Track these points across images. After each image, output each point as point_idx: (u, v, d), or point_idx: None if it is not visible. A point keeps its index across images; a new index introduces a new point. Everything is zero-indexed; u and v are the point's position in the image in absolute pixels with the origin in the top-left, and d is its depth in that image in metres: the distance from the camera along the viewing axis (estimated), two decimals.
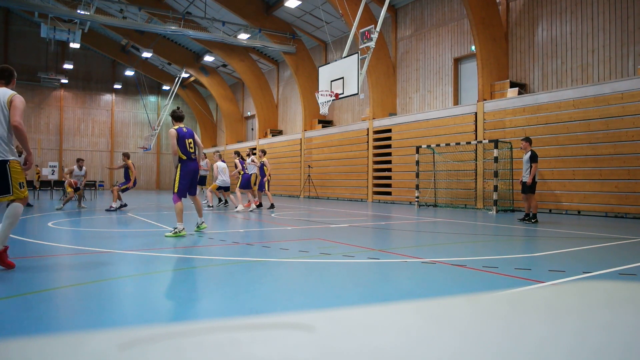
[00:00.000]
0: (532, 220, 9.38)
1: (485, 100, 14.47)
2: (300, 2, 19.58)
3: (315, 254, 5.19)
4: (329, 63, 14.18)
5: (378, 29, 12.97)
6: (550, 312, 0.58)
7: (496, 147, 12.66)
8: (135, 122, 37.66)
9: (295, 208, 14.52)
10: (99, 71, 35.97)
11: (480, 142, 13.94)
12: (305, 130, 23.92)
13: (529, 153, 9.61)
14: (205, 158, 17.59)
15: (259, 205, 13.58)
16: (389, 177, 18.31)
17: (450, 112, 15.74)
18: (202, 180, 15.61)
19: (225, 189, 13.31)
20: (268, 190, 13.51)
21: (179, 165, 6.93)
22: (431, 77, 17.89)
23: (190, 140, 6.98)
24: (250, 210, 12.51)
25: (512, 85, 14.24)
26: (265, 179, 13.37)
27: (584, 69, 13.04)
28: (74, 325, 2.69)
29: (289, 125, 27.77)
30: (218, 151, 13.66)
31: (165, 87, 36.43)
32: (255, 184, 13.60)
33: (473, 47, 15.51)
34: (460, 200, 15.02)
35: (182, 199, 6.98)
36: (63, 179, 13.04)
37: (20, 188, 4.26)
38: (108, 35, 32.29)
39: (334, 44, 22.16)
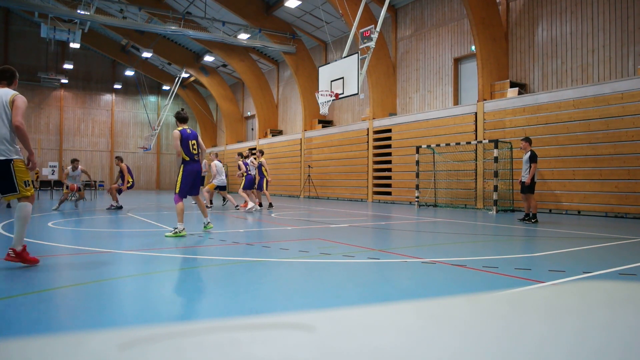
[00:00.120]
0: (532, 220, 9.38)
1: (485, 100, 14.47)
2: (300, 2, 19.58)
3: (315, 254, 5.19)
4: (329, 63, 14.18)
5: (378, 29, 12.97)
6: (550, 312, 0.58)
7: (496, 147, 12.66)
8: (135, 122, 37.66)
9: (295, 208, 14.52)
10: (99, 71, 35.97)
11: (480, 142, 13.94)
12: (305, 130, 23.92)
13: (529, 153, 9.61)
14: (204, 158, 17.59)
15: (259, 205, 13.58)
16: (389, 177, 18.31)
17: (450, 112, 15.74)
18: (202, 181, 15.62)
19: (222, 188, 13.35)
20: (266, 189, 13.52)
21: (182, 166, 6.99)
22: (431, 77, 17.89)
23: (194, 141, 7.04)
24: (249, 211, 12.51)
25: (512, 85, 14.24)
26: (265, 179, 13.38)
27: (584, 69, 13.04)
28: (74, 325, 2.69)
29: (289, 125, 27.77)
30: (213, 151, 13.72)
31: (165, 87, 36.43)
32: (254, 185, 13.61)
33: (473, 47, 15.51)
34: (460, 200, 15.02)
35: (183, 199, 7.02)
36: (63, 180, 12.88)
37: (26, 186, 4.31)
38: (108, 35, 32.29)
39: (334, 44, 22.16)
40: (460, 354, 0.43)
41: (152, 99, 38.56)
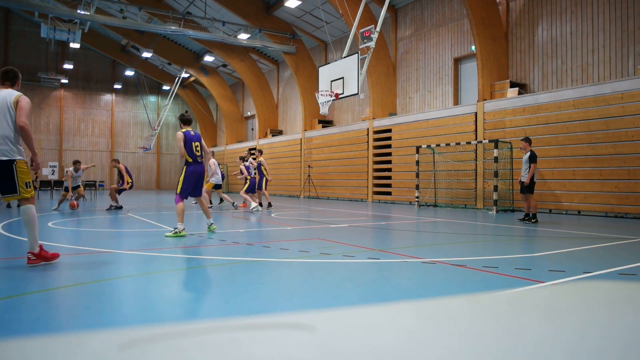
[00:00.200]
0: (532, 220, 9.38)
1: (485, 100, 14.47)
2: (300, 2, 19.58)
3: (315, 254, 5.19)
4: (329, 63, 14.18)
5: (378, 29, 12.97)
6: (550, 312, 0.58)
7: (496, 147, 12.66)
8: (135, 122, 37.66)
9: (295, 208, 14.52)
10: (99, 71, 35.97)
11: (480, 142, 13.94)
12: (305, 130, 23.92)
13: (528, 153, 9.62)
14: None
15: (260, 205, 13.57)
16: (389, 177, 18.31)
17: (450, 112, 15.74)
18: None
19: (218, 186, 13.39)
20: (265, 189, 13.52)
21: (184, 167, 7.02)
22: (431, 77, 17.89)
23: (197, 143, 7.09)
24: (250, 210, 12.51)
25: (512, 85, 14.24)
26: (265, 178, 13.37)
27: (584, 69, 13.04)
28: (74, 325, 2.70)
29: (289, 125, 27.77)
30: (211, 150, 13.75)
31: (165, 87, 36.43)
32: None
33: (473, 47, 15.51)
34: (460, 200, 15.03)
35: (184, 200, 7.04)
36: (63, 179, 12.77)
37: (27, 188, 4.33)
38: (108, 35, 32.29)
39: (334, 44, 22.16)
40: (460, 354, 0.43)
41: (152, 99, 38.56)
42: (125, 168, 13.35)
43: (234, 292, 3.48)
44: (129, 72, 33.03)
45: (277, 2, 21.88)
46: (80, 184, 13.18)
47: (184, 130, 7.08)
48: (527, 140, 9.87)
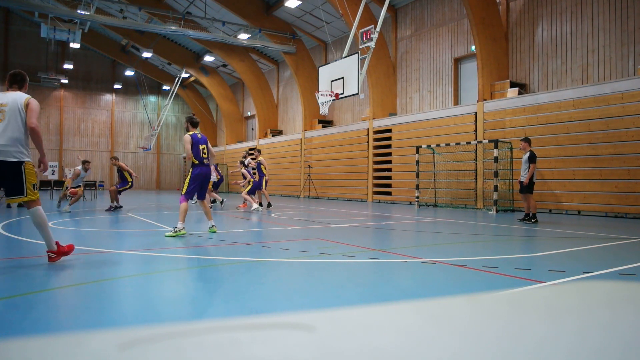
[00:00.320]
0: (532, 220, 9.38)
1: (485, 100, 14.47)
2: (300, 2, 19.58)
3: (315, 254, 5.19)
4: (329, 63, 14.18)
5: (378, 29, 12.97)
6: (550, 312, 0.58)
7: (496, 147, 12.66)
8: (135, 122, 37.66)
9: (295, 208, 14.52)
10: (99, 71, 35.97)
11: (480, 142, 13.94)
12: (305, 130, 23.92)
13: (528, 153, 9.63)
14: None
15: (260, 205, 13.57)
16: (389, 177, 18.31)
17: (450, 112, 15.74)
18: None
19: (215, 186, 13.41)
20: (265, 189, 13.51)
21: (191, 169, 7.13)
22: (431, 77, 17.89)
23: (204, 146, 7.21)
24: (251, 210, 12.51)
25: (512, 85, 14.24)
26: (264, 178, 13.36)
27: (584, 69, 13.04)
28: (74, 325, 2.70)
29: (289, 125, 27.77)
30: None
31: (166, 87, 36.43)
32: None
33: (473, 47, 15.51)
34: (460, 200, 15.03)
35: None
36: (69, 182, 12.50)
37: (34, 189, 4.40)
38: (108, 35, 32.29)
39: (334, 44, 22.16)
40: (460, 354, 0.43)
41: (152, 99, 38.56)
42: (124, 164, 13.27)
43: (234, 292, 3.48)
44: (129, 72, 33.03)
45: (277, 2, 21.88)
46: (81, 184, 13.11)
47: (191, 132, 7.18)
48: (527, 140, 9.87)
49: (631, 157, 10.88)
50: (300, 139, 24.11)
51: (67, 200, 12.77)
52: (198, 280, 4.11)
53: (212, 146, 35.89)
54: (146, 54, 27.43)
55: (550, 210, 12.64)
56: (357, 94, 12.55)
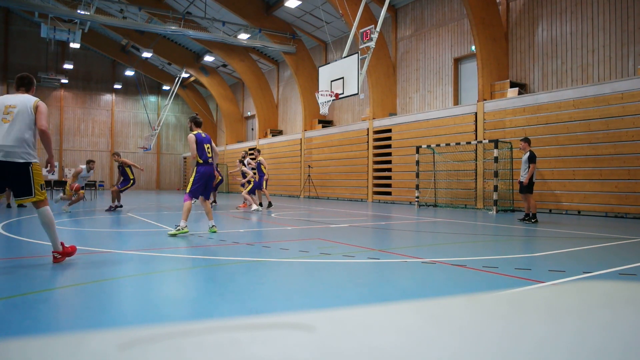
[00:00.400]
0: (532, 220, 9.38)
1: (485, 100, 14.47)
2: (300, 2, 19.58)
3: (315, 254, 5.19)
4: (329, 63, 14.18)
5: (378, 29, 12.97)
6: (550, 312, 0.58)
7: (496, 147, 12.66)
8: (135, 122, 37.67)
9: (295, 208, 14.52)
10: (99, 71, 35.97)
11: (480, 142, 13.94)
12: (305, 130, 23.92)
13: (528, 153, 9.63)
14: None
15: (260, 205, 13.57)
16: (389, 177, 18.31)
17: (450, 112, 15.74)
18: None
19: (214, 187, 13.42)
20: (266, 189, 13.51)
21: (195, 168, 7.22)
22: (431, 77, 17.90)
23: (208, 145, 7.31)
24: (251, 210, 12.51)
25: (512, 85, 14.24)
26: (265, 177, 13.35)
27: (584, 69, 13.04)
28: (74, 325, 2.70)
29: (289, 125, 27.77)
30: None
31: (166, 87, 36.43)
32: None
33: (473, 47, 15.51)
34: (460, 200, 15.02)
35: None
36: (71, 181, 12.23)
37: (41, 190, 4.48)
38: (108, 35, 32.29)
39: (334, 44, 22.17)
40: (460, 354, 0.43)
41: (152, 99, 38.57)
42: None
43: (234, 292, 3.48)
44: (129, 72, 33.03)
45: (277, 2, 21.88)
46: (82, 184, 13.02)
47: (195, 132, 7.27)
48: (527, 140, 9.88)
49: (631, 157, 10.88)
50: (300, 139, 24.12)
51: (65, 201, 12.54)
52: (198, 280, 4.11)
53: None
54: (146, 54, 27.43)
55: (550, 210, 12.64)
56: (357, 94, 12.55)
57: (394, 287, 3.77)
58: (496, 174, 12.67)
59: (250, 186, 13.08)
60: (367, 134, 19.24)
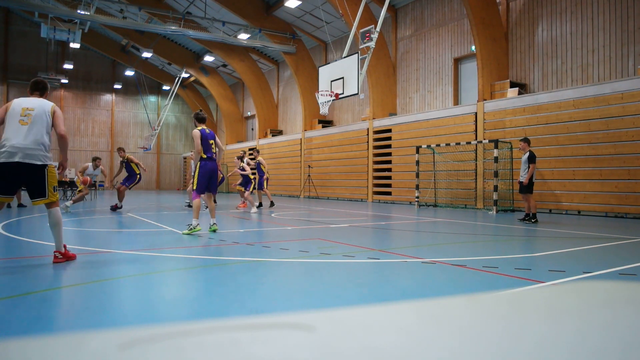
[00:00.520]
0: (532, 220, 9.38)
1: (485, 100, 14.47)
2: (300, 2, 19.58)
3: (315, 254, 5.19)
4: (329, 63, 14.18)
5: (378, 29, 12.97)
6: (550, 312, 0.58)
7: (496, 147, 12.66)
8: (135, 122, 37.67)
9: (295, 208, 14.52)
10: (99, 71, 35.97)
11: (480, 142, 13.94)
12: (305, 130, 23.92)
13: (527, 153, 9.63)
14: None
15: (260, 205, 13.57)
16: (389, 177, 18.31)
17: (450, 112, 15.74)
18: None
19: None
20: (266, 188, 13.50)
21: (198, 163, 7.25)
22: (431, 77, 17.90)
23: (212, 141, 7.36)
24: (250, 212, 12.51)
25: (512, 85, 14.24)
26: (265, 177, 13.34)
27: (584, 69, 13.04)
28: (74, 325, 2.70)
29: (289, 125, 27.77)
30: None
31: (166, 87, 36.43)
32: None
33: (473, 47, 15.51)
34: (460, 200, 15.02)
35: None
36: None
37: (54, 192, 4.58)
38: (108, 35, 32.29)
39: (334, 44, 22.16)
40: (460, 354, 0.43)
41: (152, 99, 38.56)
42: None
43: (234, 292, 3.48)
44: (129, 72, 33.02)
45: (277, 2, 21.88)
46: (94, 179, 12.89)
47: (199, 128, 7.31)
48: (526, 140, 9.88)
49: (631, 157, 10.88)
50: (300, 139, 24.11)
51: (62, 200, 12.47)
52: (198, 280, 4.11)
53: None
54: (146, 54, 27.43)
55: (550, 210, 12.64)
56: (357, 94, 12.55)
57: (394, 287, 3.77)
58: (496, 174, 12.67)
59: (252, 186, 13.06)
60: (367, 134, 19.24)
